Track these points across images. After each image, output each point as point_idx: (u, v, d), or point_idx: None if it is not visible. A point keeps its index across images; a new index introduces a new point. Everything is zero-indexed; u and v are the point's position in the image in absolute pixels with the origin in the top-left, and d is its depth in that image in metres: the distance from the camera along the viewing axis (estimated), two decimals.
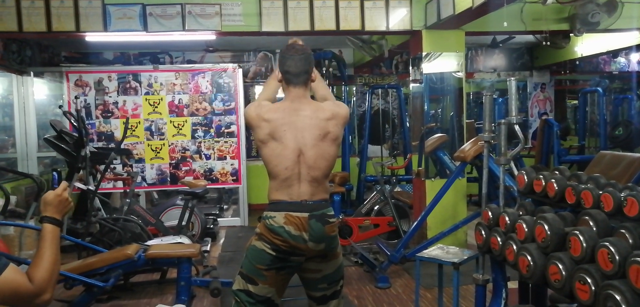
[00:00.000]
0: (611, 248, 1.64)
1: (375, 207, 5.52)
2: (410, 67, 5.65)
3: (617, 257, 1.61)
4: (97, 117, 6.44)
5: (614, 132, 8.04)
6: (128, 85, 6.50)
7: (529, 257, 2.01)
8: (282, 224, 2.22)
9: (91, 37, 5.16)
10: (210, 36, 5.37)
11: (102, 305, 3.89)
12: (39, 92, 6.97)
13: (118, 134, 6.45)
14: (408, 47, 5.84)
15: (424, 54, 5.29)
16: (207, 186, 5.41)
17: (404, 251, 4.51)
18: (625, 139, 7.61)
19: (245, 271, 2.30)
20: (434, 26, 5.15)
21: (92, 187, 4.72)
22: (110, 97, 6.49)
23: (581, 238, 1.79)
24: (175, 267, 3.79)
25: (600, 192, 2.09)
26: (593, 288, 1.68)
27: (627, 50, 8.46)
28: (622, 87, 9.98)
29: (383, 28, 5.28)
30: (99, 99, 6.48)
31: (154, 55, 7.98)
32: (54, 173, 2.10)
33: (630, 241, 1.80)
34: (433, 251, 3.37)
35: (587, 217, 1.99)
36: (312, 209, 2.25)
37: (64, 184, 1.79)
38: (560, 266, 1.85)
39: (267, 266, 2.25)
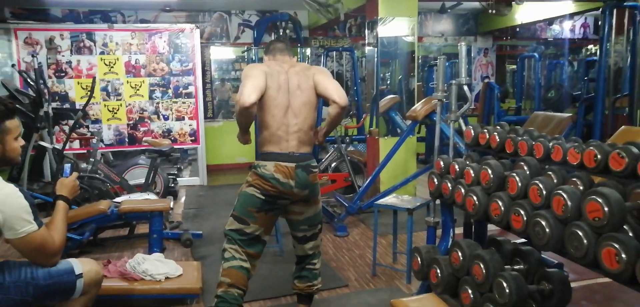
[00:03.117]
0: (540, 185, 2.01)
1: (332, 164, 5.85)
2: (366, 31, 5.92)
3: (544, 192, 1.99)
4: (49, 77, 6.30)
5: (547, 94, 8.74)
6: (82, 44, 6.40)
7: (475, 197, 2.37)
8: (272, 171, 2.53)
9: None
10: None
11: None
12: None
13: (73, 94, 6.38)
14: (363, 11, 6.09)
15: (379, 18, 5.57)
16: (173, 145, 5.52)
17: (360, 202, 4.88)
18: (557, 101, 8.31)
19: (237, 213, 2.61)
20: None
21: (57, 146, 4.73)
22: (63, 56, 6.37)
23: (517, 179, 2.16)
24: (146, 221, 3.97)
25: (533, 142, 2.48)
26: (525, 218, 2.06)
27: (562, 18, 9.14)
28: (556, 53, 10.74)
29: None
30: (51, 58, 6.34)
31: (105, 14, 7.81)
32: (66, 165, 2.43)
33: (555, 180, 2.20)
34: (389, 200, 3.74)
35: (522, 163, 2.37)
36: (298, 160, 2.57)
37: (75, 173, 2.35)
38: (500, 203, 2.22)
39: (257, 208, 2.57)
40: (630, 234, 1.73)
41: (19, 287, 2.00)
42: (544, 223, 1.92)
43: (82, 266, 2.20)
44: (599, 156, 2.03)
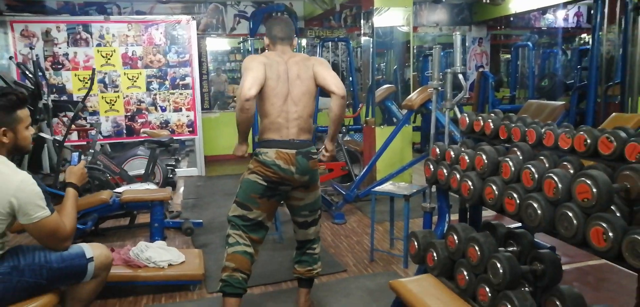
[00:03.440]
0: (532, 169, 2.09)
1: None
2: (361, 21, 5.97)
3: (536, 176, 2.07)
4: (46, 69, 6.32)
5: (541, 83, 8.84)
6: (78, 37, 6.42)
7: (470, 182, 2.45)
8: (274, 158, 2.61)
9: None
10: None
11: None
12: None
13: (70, 86, 6.40)
14: (359, 1, 6.14)
15: (374, 8, 5.62)
16: (172, 136, 5.57)
17: (357, 191, 4.97)
18: (550, 89, 8.40)
19: (240, 199, 2.68)
20: None
21: (58, 138, 4.77)
22: (59, 48, 6.39)
23: (510, 163, 2.24)
24: (147, 211, 4.03)
25: (526, 128, 2.56)
26: (518, 201, 2.13)
27: (555, 7, 9.22)
28: (550, 41, 10.83)
29: None
30: (48, 50, 6.36)
31: (101, 5, 7.82)
32: (74, 154, 2.52)
33: (547, 164, 2.28)
34: (386, 187, 3.82)
35: (515, 148, 2.45)
36: (298, 147, 2.64)
37: (83, 161, 2.46)
38: (494, 187, 2.29)
39: (260, 195, 2.65)
40: (618, 214, 1.82)
41: (33, 271, 2.08)
42: (535, 205, 1.99)
43: (93, 250, 2.27)
44: (588, 141, 2.11)
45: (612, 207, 1.82)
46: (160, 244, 3.44)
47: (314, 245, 2.90)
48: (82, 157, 5.22)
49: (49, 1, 7.57)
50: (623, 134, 2.01)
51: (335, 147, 2.91)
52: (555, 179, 1.92)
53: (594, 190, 1.75)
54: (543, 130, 2.45)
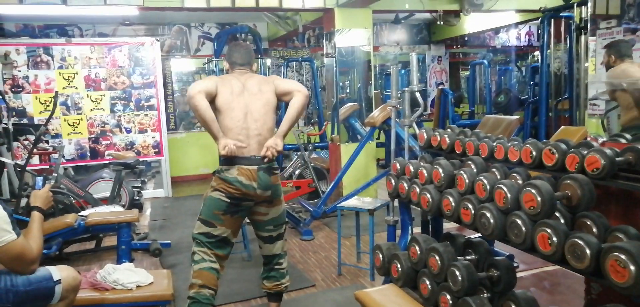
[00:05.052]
0: (484, 180, 2.25)
1: (296, 171, 6.02)
2: (324, 41, 6.14)
3: (488, 187, 2.23)
4: (5, 92, 6.18)
5: (497, 98, 9.22)
6: (39, 59, 6.32)
7: (429, 195, 2.60)
8: (236, 175, 2.67)
9: (4, 9, 5.00)
10: (133, 12, 5.44)
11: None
12: None
13: (31, 110, 6.29)
14: (321, 22, 6.31)
15: (336, 29, 5.80)
16: (138, 158, 5.54)
17: (324, 207, 5.07)
18: (506, 104, 8.78)
19: (204, 216, 2.72)
20: (345, 4, 5.66)
21: (19, 162, 4.68)
22: (19, 71, 6.27)
23: (465, 176, 2.39)
24: (114, 233, 4.01)
25: (479, 142, 2.73)
26: (472, 211, 2.29)
27: (507, 27, 9.69)
28: (505, 59, 11.33)
29: (299, 5, 5.69)
30: (7, 74, 6.23)
31: (62, 28, 7.72)
32: (38, 177, 2.54)
33: (498, 175, 2.45)
34: (351, 202, 3.94)
35: (469, 162, 2.62)
36: (259, 162, 2.71)
37: (48, 185, 2.49)
38: (451, 199, 2.45)
39: (223, 211, 2.70)
40: (562, 221, 1.99)
41: None
42: (488, 214, 2.15)
43: (60, 272, 2.28)
44: (534, 153, 2.29)
45: (556, 213, 1.99)
46: (128, 266, 3.41)
47: (281, 260, 2.97)
48: (47, 181, 5.15)
49: (7, 24, 7.42)
50: (564, 146, 2.20)
51: (282, 146, 2.79)
52: (505, 189, 2.09)
53: (539, 198, 1.91)
54: (494, 144, 2.63)
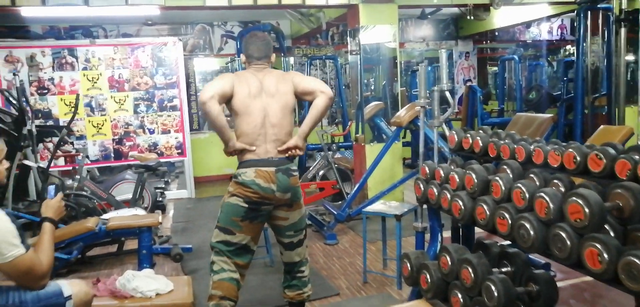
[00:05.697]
0: (523, 188, 2.07)
1: (320, 173, 5.88)
2: (348, 39, 5.98)
3: (527, 195, 2.05)
4: (31, 94, 6.24)
5: (528, 95, 8.91)
6: (64, 61, 6.35)
7: (461, 202, 2.43)
8: (253, 177, 2.56)
9: (28, 11, 5.01)
10: (154, 11, 5.39)
11: (62, 278, 3.97)
12: None
13: (56, 111, 6.32)
14: (345, 19, 6.16)
15: (360, 26, 5.63)
16: (160, 159, 5.50)
17: (349, 210, 4.92)
18: (537, 102, 8.47)
19: (222, 224, 2.62)
20: (370, 0, 5.49)
21: (41, 164, 4.69)
22: (45, 73, 6.31)
23: (500, 182, 2.22)
24: (135, 238, 3.95)
25: (515, 146, 2.54)
26: (510, 221, 2.11)
27: (539, 21, 9.34)
28: (535, 54, 10.95)
29: (322, 2, 5.57)
30: (33, 75, 6.28)
31: (87, 29, 7.77)
32: (50, 186, 2.40)
33: (537, 182, 2.26)
34: (377, 206, 3.78)
35: (505, 166, 2.43)
36: (277, 164, 2.60)
37: (60, 194, 2.34)
38: (485, 207, 2.27)
39: (241, 217, 2.59)
40: (612, 234, 1.80)
41: None
42: (528, 226, 1.97)
43: (71, 287, 2.18)
44: (578, 158, 2.09)
45: (605, 226, 1.80)
46: (148, 273, 3.34)
47: (302, 268, 2.84)
48: (68, 182, 5.15)
49: (33, 26, 7.51)
50: (612, 151, 2.00)
51: (304, 146, 2.73)
52: (547, 198, 1.90)
53: (586, 210, 1.73)
54: (532, 147, 2.44)
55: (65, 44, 6.57)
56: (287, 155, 2.67)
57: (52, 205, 2.28)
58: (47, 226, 2.20)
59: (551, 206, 1.88)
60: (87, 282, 2.40)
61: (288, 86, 2.65)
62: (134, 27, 7.90)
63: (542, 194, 1.93)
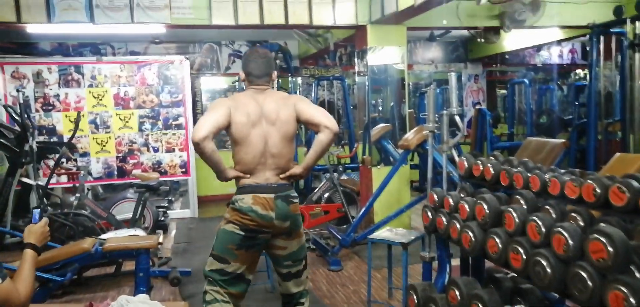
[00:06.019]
0: (538, 221, 1.93)
1: (325, 195, 5.75)
2: (356, 60, 5.90)
3: (543, 229, 1.91)
4: (36, 111, 6.21)
5: (538, 120, 8.75)
6: (70, 77, 6.32)
7: (471, 234, 2.29)
8: (250, 204, 2.43)
9: (33, 28, 4.98)
10: (160, 30, 5.35)
11: (56, 300, 3.86)
12: None
13: (61, 128, 6.27)
14: (353, 40, 6.08)
15: (368, 47, 5.55)
16: (160, 179, 5.41)
17: (354, 235, 4.78)
18: (549, 126, 8.30)
19: (216, 252, 2.49)
20: (377, 21, 5.42)
21: (40, 182, 4.61)
22: (50, 89, 6.28)
23: (514, 214, 2.08)
24: (132, 259, 3.83)
25: (529, 174, 2.41)
26: (524, 257, 1.97)
27: (549, 44, 9.23)
28: (546, 78, 10.81)
29: (330, 23, 5.48)
30: (39, 92, 6.25)
31: (95, 47, 7.77)
32: (35, 211, 2.19)
33: (554, 215, 2.12)
34: (383, 233, 3.64)
35: (518, 197, 2.29)
36: (277, 191, 2.47)
37: (45, 219, 2.15)
38: (497, 240, 2.13)
39: (237, 245, 2.46)
40: (638, 275, 1.65)
41: None
42: (544, 263, 1.83)
43: None
44: (598, 190, 1.96)
45: (631, 267, 1.65)
46: (143, 298, 3.20)
47: (302, 300, 2.69)
48: (71, 199, 5.05)
49: (42, 43, 7.51)
50: (636, 184, 1.86)
51: (305, 175, 2.65)
52: (565, 234, 1.77)
53: (610, 249, 1.59)
54: (547, 176, 2.31)
55: (71, 61, 6.55)
56: (289, 178, 2.56)
57: (36, 230, 2.09)
58: (28, 253, 2.02)
59: (570, 242, 1.75)
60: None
61: (290, 113, 2.51)
62: (141, 45, 7.90)
63: (560, 229, 1.79)
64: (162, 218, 5.98)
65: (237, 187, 2.53)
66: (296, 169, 2.59)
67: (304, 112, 2.52)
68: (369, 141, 5.78)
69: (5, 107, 5.15)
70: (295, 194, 2.60)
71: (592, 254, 1.65)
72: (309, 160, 2.60)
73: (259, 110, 2.49)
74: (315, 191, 5.89)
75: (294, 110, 2.52)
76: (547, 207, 2.19)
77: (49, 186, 5.18)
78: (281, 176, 2.53)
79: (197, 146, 2.34)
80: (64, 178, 6.24)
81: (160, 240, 4.60)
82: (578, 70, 10.78)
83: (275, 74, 2.65)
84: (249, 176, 2.50)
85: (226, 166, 2.54)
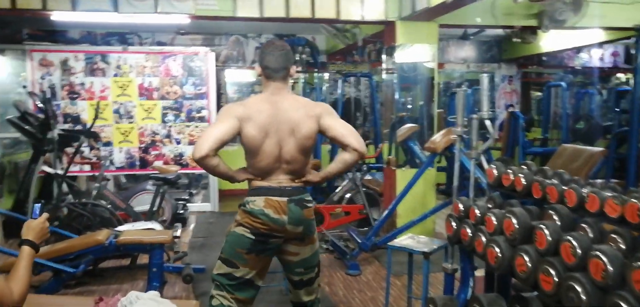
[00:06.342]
0: (573, 242, 1.73)
1: (347, 195, 5.58)
2: (384, 56, 5.71)
3: (578, 251, 1.71)
4: (62, 98, 6.24)
5: (575, 125, 8.35)
6: (95, 66, 6.33)
7: (498, 249, 2.10)
8: (262, 207, 2.30)
9: (58, 16, 4.98)
10: (184, 20, 5.28)
11: (69, 291, 3.83)
12: None
13: (85, 116, 6.29)
14: (381, 36, 5.89)
15: (397, 44, 5.35)
16: (179, 172, 5.35)
17: (375, 238, 4.61)
18: (586, 132, 7.91)
19: (225, 255, 2.38)
20: (408, 18, 5.21)
21: (59, 171, 4.60)
22: (76, 77, 6.30)
23: (546, 232, 1.88)
24: (146, 253, 3.77)
25: (564, 187, 2.19)
26: (556, 280, 1.77)
27: (590, 46, 8.78)
28: (585, 81, 10.32)
29: (358, 17, 5.30)
30: (65, 80, 6.28)
31: (123, 36, 7.80)
32: (35, 205, 2.04)
33: (591, 235, 1.91)
34: (404, 240, 3.46)
35: (551, 212, 2.09)
36: (290, 194, 2.34)
37: (45, 215, 2.03)
38: (526, 258, 1.94)
39: (247, 250, 2.33)
40: None
41: None
42: (579, 289, 1.64)
43: None
44: None
45: None
46: (153, 295, 3.12)
47: None
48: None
49: (71, 31, 7.58)
50: None
51: (320, 183, 2.55)
52: (605, 259, 1.56)
53: None
54: (585, 191, 2.09)
55: (98, 49, 6.56)
56: (304, 183, 2.43)
57: (35, 226, 1.98)
58: (25, 250, 1.91)
59: (610, 268, 1.54)
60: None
61: (312, 127, 2.33)
62: (168, 36, 7.88)
63: (599, 253, 1.59)
64: (182, 211, 5.93)
65: (249, 188, 2.40)
66: (313, 177, 2.45)
67: (331, 129, 2.35)
68: (395, 141, 5.59)
69: (30, 94, 5.18)
70: (310, 198, 2.45)
71: (635, 284, 1.45)
72: (328, 173, 2.49)
73: (274, 116, 2.31)
74: (337, 190, 5.72)
75: (318, 124, 2.35)
76: (584, 225, 1.98)
77: (72, 175, 5.20)
78: (296, 180, 2.39)
79: (200, 163, 2.21)
80: (87, 167, 6.27)
81: (178, 234, 4.54)
82: (619, 74, 10.26)
83: (293, 68, 2.46)
84: (260, 178, 2.37)
85: (235, 170, 2.43)
